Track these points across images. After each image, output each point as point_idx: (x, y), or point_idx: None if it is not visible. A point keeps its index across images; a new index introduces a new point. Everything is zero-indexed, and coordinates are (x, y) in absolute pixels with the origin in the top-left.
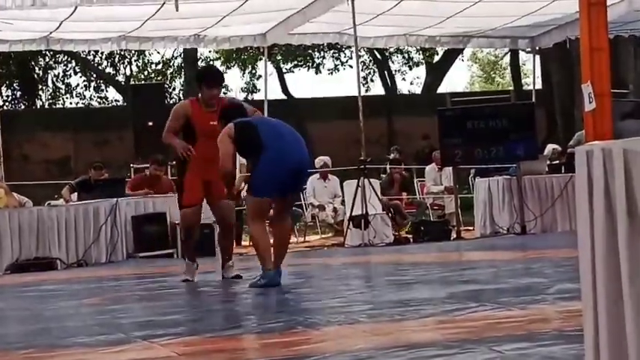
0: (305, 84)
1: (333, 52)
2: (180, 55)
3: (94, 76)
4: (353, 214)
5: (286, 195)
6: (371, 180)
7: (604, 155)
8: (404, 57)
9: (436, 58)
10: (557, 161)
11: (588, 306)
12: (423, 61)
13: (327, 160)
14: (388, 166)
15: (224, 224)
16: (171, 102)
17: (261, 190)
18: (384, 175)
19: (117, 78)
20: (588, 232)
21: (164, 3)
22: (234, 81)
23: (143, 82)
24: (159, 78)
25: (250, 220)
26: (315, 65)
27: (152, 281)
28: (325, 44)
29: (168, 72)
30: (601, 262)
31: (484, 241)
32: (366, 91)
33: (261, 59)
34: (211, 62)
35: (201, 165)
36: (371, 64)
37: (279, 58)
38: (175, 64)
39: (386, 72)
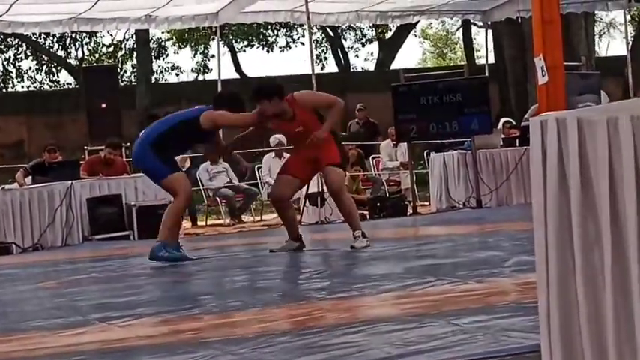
0: (258, 62)
1: (286, 30)
2: (131, 37)
3: (46, 59)
4: (309, 192)
5: None
6: None
7: (558, 125)
8: (356, 34)
9: (389, 35)
10: (507, 135)
11: (542, 277)
12: (376, 38)
13: (282, 139)
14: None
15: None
16: (122, 84)
17: None
18: None
19: (68, 61)
20: (542, 202)
21: None
22: (186, 62)
23: (95, 64)
24: (110, 60)
25: None
26: (267, 43)
27: (109, 263)
28: (277, 22)
29: (120, 54)
30: (553, 232)
31: (440, 215)
32: (322, 68)
33: (213, 39)
34: (163, 43)
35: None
36: (324, 41)
37: (231, 37)
38: (127, 47)
39: (339, 49)
